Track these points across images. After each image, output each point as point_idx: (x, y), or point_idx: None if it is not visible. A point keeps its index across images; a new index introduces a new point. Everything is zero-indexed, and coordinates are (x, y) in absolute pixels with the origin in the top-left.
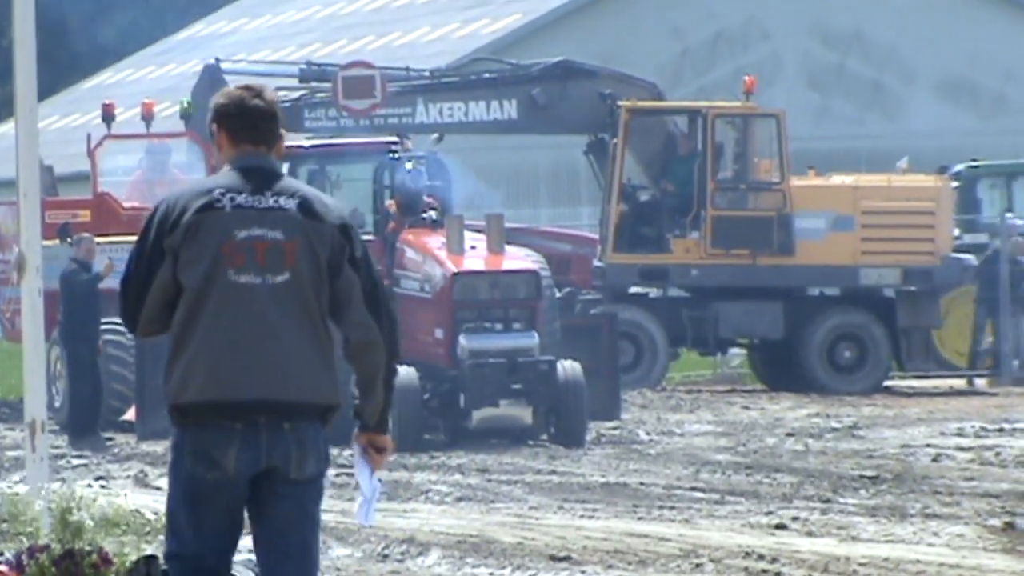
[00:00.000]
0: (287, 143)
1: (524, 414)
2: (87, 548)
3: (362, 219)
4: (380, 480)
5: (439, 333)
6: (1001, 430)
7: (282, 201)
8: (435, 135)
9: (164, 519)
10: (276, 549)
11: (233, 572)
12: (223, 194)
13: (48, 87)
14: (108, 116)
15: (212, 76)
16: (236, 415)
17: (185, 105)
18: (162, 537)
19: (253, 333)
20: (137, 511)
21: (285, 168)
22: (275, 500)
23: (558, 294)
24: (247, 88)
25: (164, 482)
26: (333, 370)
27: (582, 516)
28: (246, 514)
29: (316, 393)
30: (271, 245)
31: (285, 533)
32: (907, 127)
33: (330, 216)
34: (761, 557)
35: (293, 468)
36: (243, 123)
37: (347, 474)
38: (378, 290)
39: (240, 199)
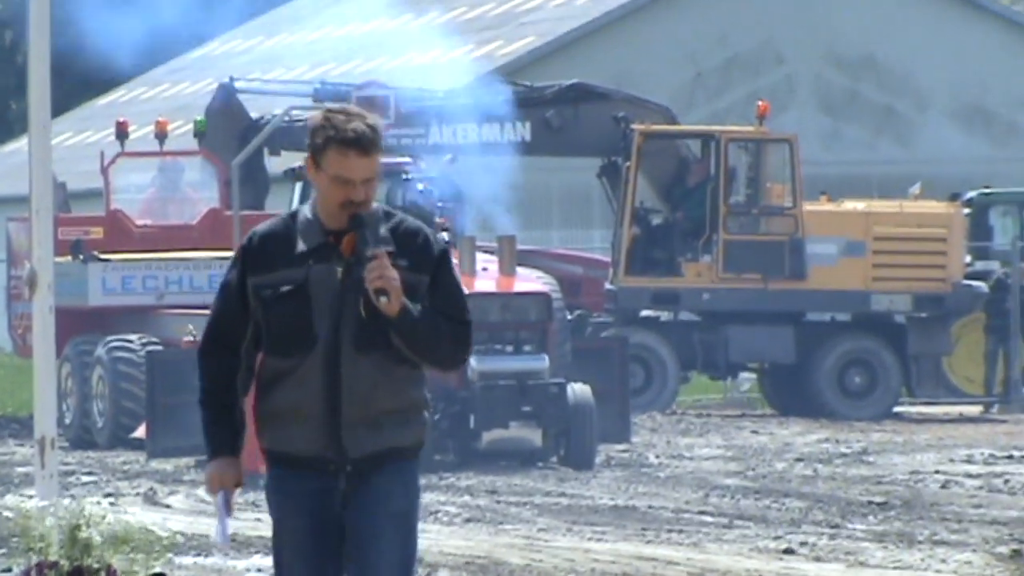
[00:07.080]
0: (298, 163)
1: (534, 436)
2: (96, 565)
3: None
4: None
5: None
6: (1010, 457)
7: None
8: (448, 156)
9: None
10: None
11: None
12: None
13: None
14: (122, 133)
15: (226, 94)
16: None
17: (199, 123)
18: (170, 555)
19: None
20: (146, 528)
21: (297, 189)
22: None
23: (569, 317)
24: None
25: (173, 500)
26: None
27: (591, 539)
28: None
29: None
30: None
31: None
32: (920, 153)
33: None
34: None
35: None
36: None
37: None
38: None
39: None
